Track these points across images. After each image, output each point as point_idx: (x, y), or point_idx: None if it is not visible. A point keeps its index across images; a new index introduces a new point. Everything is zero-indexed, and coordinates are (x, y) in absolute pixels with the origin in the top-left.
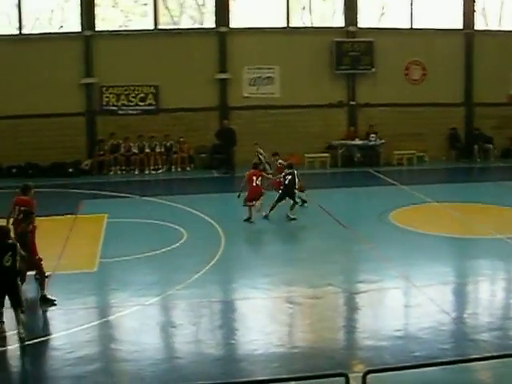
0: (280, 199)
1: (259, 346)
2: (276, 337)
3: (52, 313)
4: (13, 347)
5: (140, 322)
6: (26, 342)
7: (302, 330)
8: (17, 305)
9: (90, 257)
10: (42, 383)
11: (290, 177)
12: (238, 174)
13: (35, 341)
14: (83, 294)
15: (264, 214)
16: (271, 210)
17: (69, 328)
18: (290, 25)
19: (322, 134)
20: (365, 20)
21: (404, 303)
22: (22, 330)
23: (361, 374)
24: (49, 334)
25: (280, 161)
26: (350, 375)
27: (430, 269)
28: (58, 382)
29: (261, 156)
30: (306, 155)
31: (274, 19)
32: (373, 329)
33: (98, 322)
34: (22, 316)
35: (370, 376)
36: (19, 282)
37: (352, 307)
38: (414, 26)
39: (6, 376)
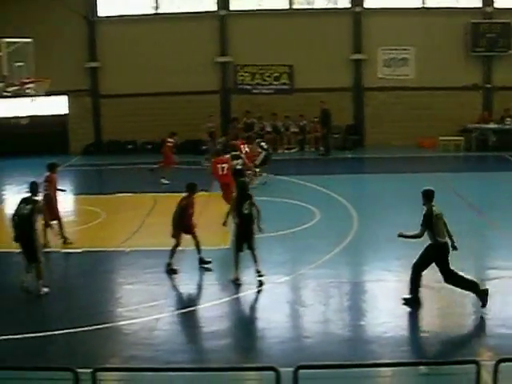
0: None
1: (389, 329)
2: (406, 320)
3: (185, 288)
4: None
5: (270, 300)
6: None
7: (432, 314)
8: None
9: (222, 234)
10: (174, 356)
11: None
12: (370, 155)
13: (167, 315)
14: (215, 269)
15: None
16: None
17: (201, 303)
18: (426, 5)
19: (456, 117)
20: (502, 0)
21: None
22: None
23: (491, 363)
24: (182, 309)
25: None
26: (481, 363)
27: None
28: (189, 355)
29: None
30: (439, 138)
31: None
32: (504, 316)
33: (229, 298)
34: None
35: (501, 365)
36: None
37: None
38: None
39: (137, 347)
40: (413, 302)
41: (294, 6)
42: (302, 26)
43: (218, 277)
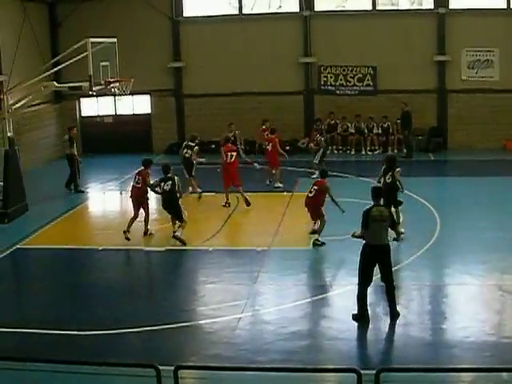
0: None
1: (471, 333)
2: (489, 325)
3: (267, 288)
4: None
5: (353, 302)
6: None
7: None
8: None
9: (305, 234)
10: (255, 356)
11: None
12: (453, 158)
13: (249, 314)
14: (297, 270)
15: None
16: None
17: (282, 303)
18: (511, 6)
19: None
20: None
21: None
22: None
23: None
24: (264, 309)
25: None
26: None
27: None
28: (270, 355)
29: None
30: None
31: (494, 0)
32: None
33: (311, 299)
34: None
35: None
36: None
37: None
38: None
39: (219, 346)
40: (358, 318)
41: (378, 7)
42: (386, 27)
43: (300, 278)
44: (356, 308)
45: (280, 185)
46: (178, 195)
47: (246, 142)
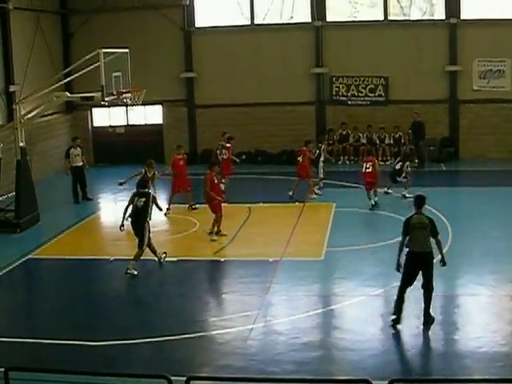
0: None
1: (483, 344)
2: (501, 335)
3: (279, 298)
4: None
5: (365, 313)
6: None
7: None
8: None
9: (316, 245)
10: (267, 366)
11: None
12: (464, 168)
13: (260, 325)
14: (309, 281)
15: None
16: None
17: (294, 314)
18: None
19: None
20: None
21: None
22: None
23: None
24: (275, 319)
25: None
26: None
27: None
28: (282, 366)
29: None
30: None
31: (506, 11)
32: None
33: (322, 309)
34: None
35: None
36: None
37: None
38: None
39: (231, 356)
40: (397, 323)
41: (390, 18)
42: (398, 38)
43: (312, 288)
44: (387, 315)
45: (314, 196)
46: (149, 217)
47: (257, 151)
